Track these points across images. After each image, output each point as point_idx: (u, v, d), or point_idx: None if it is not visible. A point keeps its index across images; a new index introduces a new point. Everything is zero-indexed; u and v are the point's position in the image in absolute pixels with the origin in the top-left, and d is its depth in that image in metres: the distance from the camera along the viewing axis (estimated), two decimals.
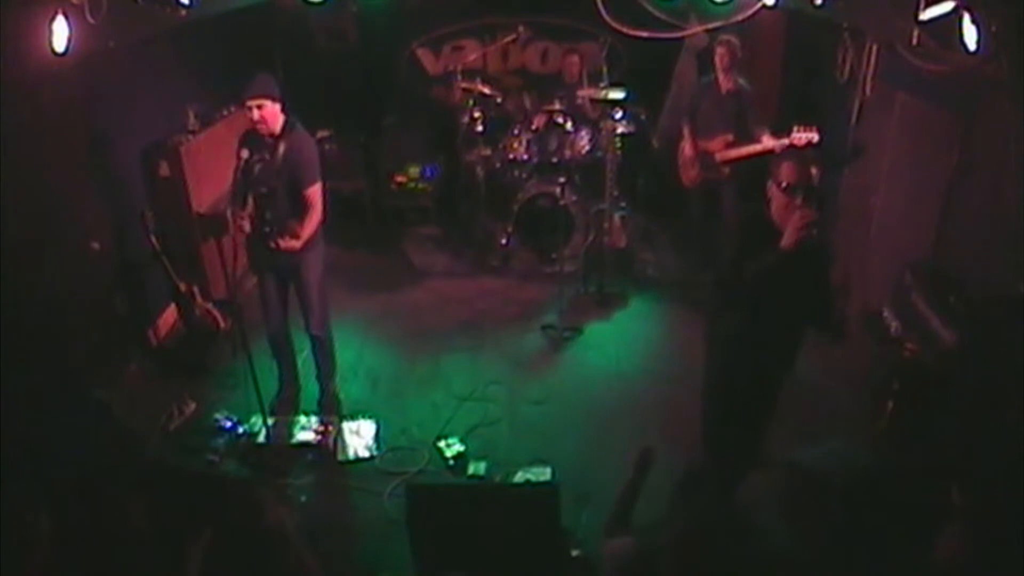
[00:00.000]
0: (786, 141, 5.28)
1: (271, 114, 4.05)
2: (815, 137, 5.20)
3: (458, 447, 4.38)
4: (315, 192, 4.16)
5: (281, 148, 4.07)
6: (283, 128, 4.11)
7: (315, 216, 4.17)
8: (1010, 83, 3.07)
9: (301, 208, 4.15)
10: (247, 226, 4.14)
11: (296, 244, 4.12)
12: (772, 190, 3.16)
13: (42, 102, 4.06)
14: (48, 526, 2.67)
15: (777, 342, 3.39)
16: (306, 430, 4.48)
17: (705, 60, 6.22)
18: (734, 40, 5.58)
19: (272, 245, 4.10)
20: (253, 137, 4.09)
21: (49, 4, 3.25)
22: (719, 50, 5.62)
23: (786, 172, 3.10)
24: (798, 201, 3.05)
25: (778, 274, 3.07)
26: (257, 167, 4.03)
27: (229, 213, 4.27)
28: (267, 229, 4.08)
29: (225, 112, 5.99)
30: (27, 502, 2.75)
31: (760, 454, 3.73)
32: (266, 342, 4.64)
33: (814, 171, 3.10)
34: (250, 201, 4.13)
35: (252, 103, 3.99)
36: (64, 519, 2.84)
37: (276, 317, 4.51)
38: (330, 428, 4.50)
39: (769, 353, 3.40)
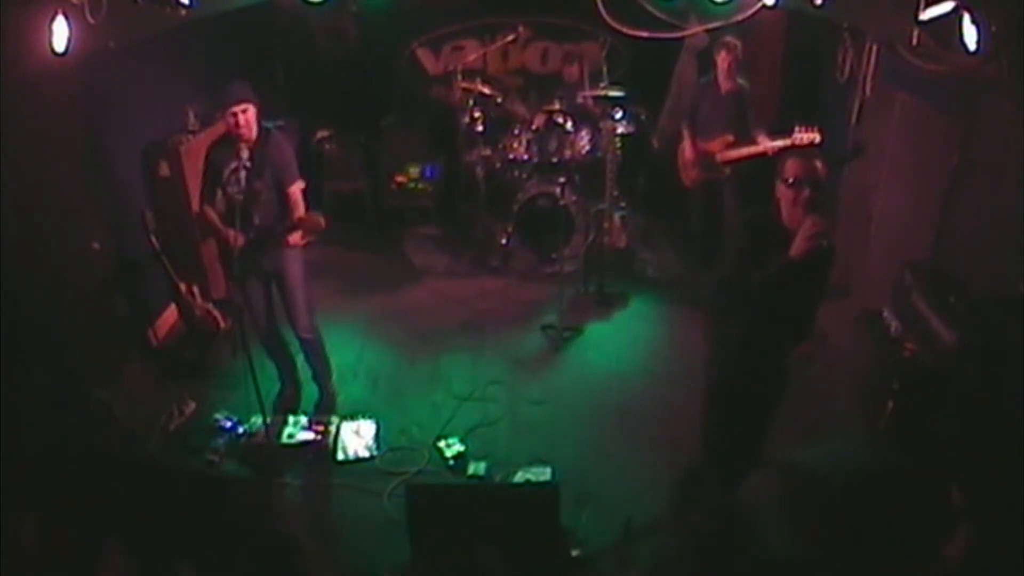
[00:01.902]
0: (787, 141, 5.28)
1: (252, 118, 4.06)
2: (816, 137, 5.18)
3: (458, 447, 4.38)
4: (297, 191, 4.22)
5: (261, 152, 4.07)
6: (259, 134, 4.11)
7: (300, 213, 4.20)
8: (1010, 83, 3.07)
9: (286, 208, 4.20)
10: (240, 239, 4.04)
11: (299, 239, 4.13)
12: (780, 189, 3.12)
13: (42, 102, 4.06)
14: (33, 525, 2.67)
15: (778, 345, 3.39)
16: (306, 430, 4.48)
17: (705, 60, 6.22)
18: (736, 43, 5.57)
19: (283, 242, 4.13)
20: (227, 147, 4.08)
21: (49, 4, 3.25)
22: (722, 53, 5.61)
23: (791, 167, 3.08)
24: (805, 195, 3.02)
25: (784, 280, 3.05)
26: (242, 174, 4.02)
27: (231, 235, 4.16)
28: (252, 235, 4.06)
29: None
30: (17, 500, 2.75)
31: (759, 456, 3.73)
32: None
33: (819, 165, 3.07)
34: (223, 204, 4.14)
35: (237, 108, 3.98)
36: (56, 518, 2.84)
37: (265, 321, 4.49)
38: (329, 428, 4.49)
39: (770, 355, 3.40)
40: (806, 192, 3.02)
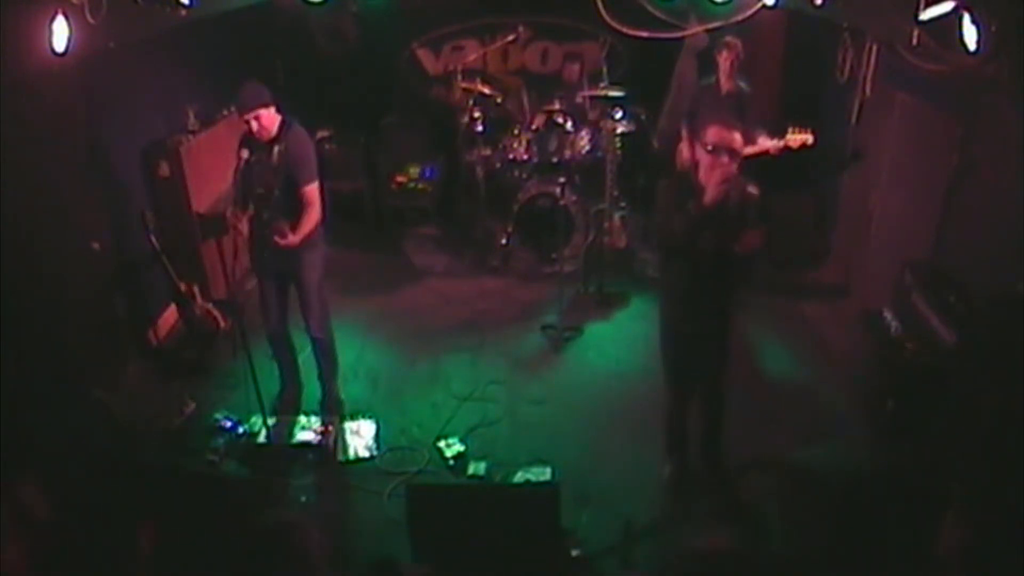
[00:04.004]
0: (781, 143, 5.30)
1: (269, 120, 4.05)
2: (809, 139, 5.24)
3: (458, 447, 4.38)
4: (313, 190, 4.17)
5: (278, 148, 4.07)
6: (280, 129, 4.11)
7: (314, 213, 4.17)
8: (1010, 83, 3.07)
9: (300, 206, 4.16)
10: (245, 228, 4.19)
11: (294, 240, 4.09)
12: (699, 153, 3.36)
13: (42, 102, 4.06)
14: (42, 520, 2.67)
15: (718, 287, 3.59)
16: (306, 430, 4.48)
17: (705, 60, 6.21)
18: (737, 42, 5.56)
19: (273, 243, 4.09)
20: (252, 138, 4.09)
21: (49, 4, 3.25)
22: (723, 52, 5.59)
23: (711, 135, 3.32)
24: (722, 161, 3.26)
25: (708, 228, 3.30)
26: (256, 168, 4.02)
27: (229, 214, 4.27)
28: (264, 230, 4.07)
29: (225, 112, 5.99)
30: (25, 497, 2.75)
31: (718, 392, 3.89)
32: (266, 342, 4.64)
33: (737, 135, 3.32)
34: (250, 202, 4.14)
35: (249, 116, 3.98)
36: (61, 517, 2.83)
37: (276, 318, 4.50)
38: (330, 428, 4.49)
39: (712, 299, 3.60)
40: (723, 158, 3.27)
